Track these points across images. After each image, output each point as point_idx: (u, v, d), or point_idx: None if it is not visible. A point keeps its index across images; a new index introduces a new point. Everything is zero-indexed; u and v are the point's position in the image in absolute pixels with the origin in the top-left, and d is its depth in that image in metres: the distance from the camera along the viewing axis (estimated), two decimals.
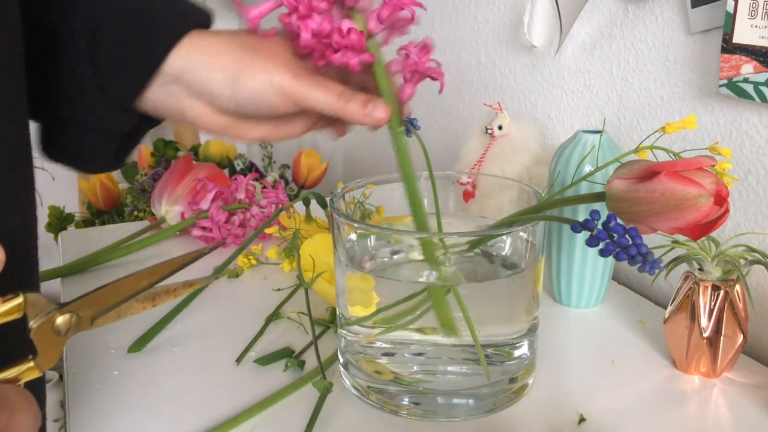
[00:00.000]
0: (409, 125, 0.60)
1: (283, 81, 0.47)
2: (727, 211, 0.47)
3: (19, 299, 0.36)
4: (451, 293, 0.53)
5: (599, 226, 0.48)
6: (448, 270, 0.54)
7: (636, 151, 0.55)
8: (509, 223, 0.56)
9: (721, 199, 0.46)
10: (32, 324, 0.37)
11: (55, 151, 0.50)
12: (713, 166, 0.48)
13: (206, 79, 0.47)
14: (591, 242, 0.48)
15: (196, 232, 0.89)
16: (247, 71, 0.47)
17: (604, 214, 0.55)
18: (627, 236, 0.47)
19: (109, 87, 0.46)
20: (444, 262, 0.55)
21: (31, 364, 0.37)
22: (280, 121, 0.52)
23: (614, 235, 0.47)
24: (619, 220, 0.48)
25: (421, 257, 0.56)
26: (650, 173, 0.47)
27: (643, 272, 0.47)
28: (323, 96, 0.48)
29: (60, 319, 0.38)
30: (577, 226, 0.48)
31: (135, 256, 0.86)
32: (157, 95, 0.48)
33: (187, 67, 0.47)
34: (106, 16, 0.46)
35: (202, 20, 0.49)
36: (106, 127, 0.48)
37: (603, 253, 0.47)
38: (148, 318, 0.69)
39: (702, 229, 0.47)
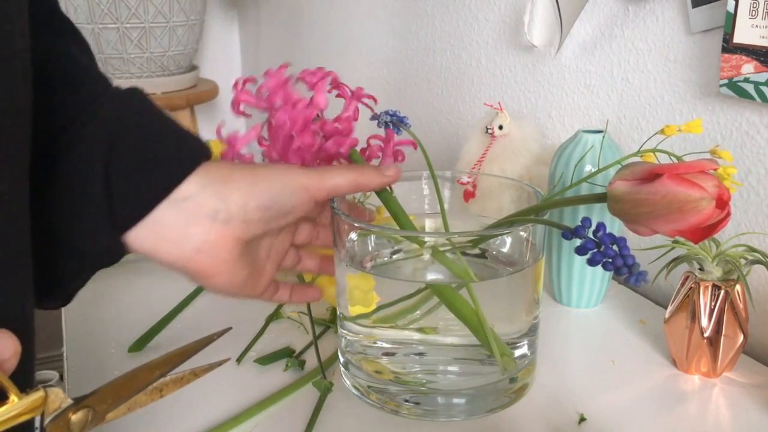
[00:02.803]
0: (401, 123, 0.60)
1: (300, 177, 0.49)
2: (728, 215, 0.47)
3: (40, 393, 0.35)
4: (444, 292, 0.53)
5: (589, 235, 0.48)
6: (461, 267, 0.54)
7: (638, 153, 0.55)
8: (509, 223, 0.56)
9: (722, 202, 0.46)
10: (47, 422, 0.36)
11: None
12: (716, 169, 0.48)
13: (225, 188, 0.46)
14: (579, 251, 0.48)
15: None
16: (264, 175, 0.47)
17: (604, 216, 0.55)
18: (614, 247, 0.47)
19: (118, 201, 0.43)
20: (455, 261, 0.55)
21: None
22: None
23: (601, 245, 0.47)
24: (608, 230, 0.48)
25: (422, 256, 0.56)
26: (652, 175, 0.47)
27: (630, 283, 0.47)
28: (341, 177, 0.50)
29: (75, 417, 0.37)
30: (568, 233, 0.48)
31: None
32: (164, 216, 0.44)
33: (204, 182, 0.45)
34: (125, 128, 0.44)
35: (209, 154, 0.48)
36: (93, 247, 0.44)
37: (590, 262, 0.47)
38: (149, 318, 0.69)
39: (703, 233, 0.47)
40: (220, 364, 0.47)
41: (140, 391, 0.41)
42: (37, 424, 0.36)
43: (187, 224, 0.45)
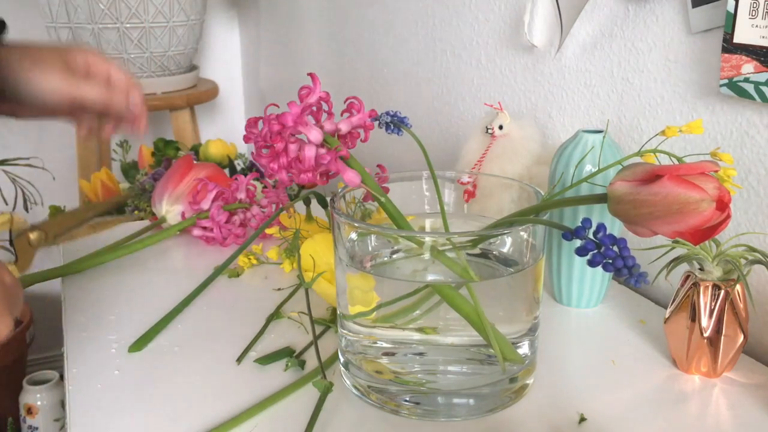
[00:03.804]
0: (401, 124, 0.59)
1: (56, 83, 0.64)
2: (728, 216, 0.47)
3: (7, 216, 0.50)
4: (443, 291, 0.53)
5: (589, 235, 0.48)
6: (462, 267, 0.54)
7: (639, 154, 0.55)
8: (509, 223, 0.56)
9: (722, 204, 0.46)
10: (14, 236, 0.51)
11: None
12: (716, 171, 0.48)
13: None
14: (580, 252, 0.48)
15: (196, 231, 0.89)
16: (23, 76, 0.63)
17: (604, 216, 0.55)
18: (615, 248, 0.47)
19: None
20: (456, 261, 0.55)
21: (14, 266, 0.49)
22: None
23: (602, 246, 0.47)
24: (608, 230, 0.48)
25: (423, 255, 0.56)
26: (653, 176, 0.47)
27: (630, 284, 0.47)
28: (90, 91, 0.66)
29: (33, 235, 0.53)
30: (568, 234, 0.48)
31: (135, 256, 0.86)
32: None
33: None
34: None
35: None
36: None
37: (590, 263, 0.47)
38: (149, 317, 0.69)
39: (703, 234, 0.47)
40: (130, 195, 0.67)
41: (79, 226, 0.57)
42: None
43: None
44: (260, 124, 0.55)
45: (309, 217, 0.83)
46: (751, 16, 0.62)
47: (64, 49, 0.70)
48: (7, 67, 0.64)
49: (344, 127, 0.56)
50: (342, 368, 0.60)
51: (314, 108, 0.55)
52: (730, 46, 0.64)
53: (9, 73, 0.64)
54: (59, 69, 0.65)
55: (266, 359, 0.63)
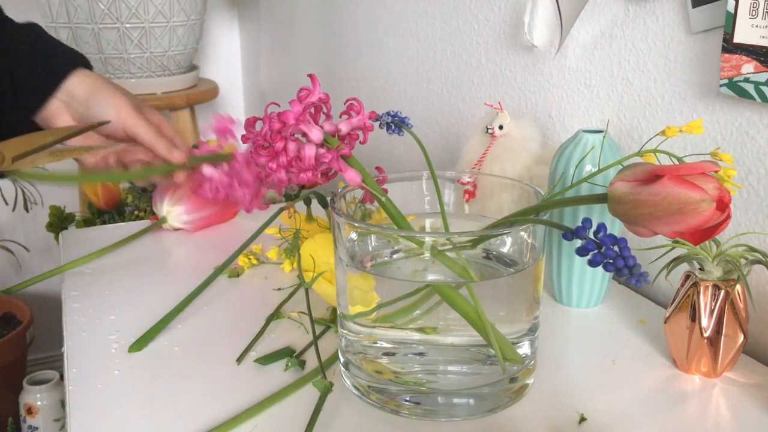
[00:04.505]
0: (402, 124, 0.59)
1: (123, 113, 0.78)
2: (728, 217, 0.47)
3: None
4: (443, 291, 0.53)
5: (590, 235, 0.48)
6: (461, 267, 0.54)
7: (639, 154, 0.55)
8: (509, 223, 0.56)
9: (723, 204, 0.46)
10: None
11: None
12: (716, 171, 0.48)
13: (73, 89, 0.76)
14: (580, 252, 0.48)
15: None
16: (103, 94, 0.78)
17: (604, 216, 0.55)
18: (615, 247, 0.47)
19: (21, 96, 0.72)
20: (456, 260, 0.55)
21: None
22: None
23: (602, 246, 0.47)
24: (608, 230, 0.48)
25: (424, 255, 0.56)
26: (653, 176, 0.47)
27: (630, 284, 0.47)
28: (146, 131, 0.78)
29: None
30: (568, 234, 0.48)
31: (135, 256, 0.86)
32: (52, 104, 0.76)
33: (72, 86, 0.76)
34: (24, 43, 0.73)
35: (85, 62, 0.79)
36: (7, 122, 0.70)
37: (591, 263, 0.47)
38: (149, 317, 0.69)
39: (703, 234, 0.47)
40: (100, 124, 0.73)
41: (37, 151, 0.58)
42: None
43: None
44: (259, 123, 0.55)
45: (309, 217, 0.83)
46: (751, 16, 0.62)
47: (134, 97, 0.83)
48: (94, 93, 0.77)
49: (344, 128, 0.56)
50: (342, 368, 0.60)
51: (312, 110, 0.55)
52: (730, 46, 0.64)
53: (93, 95, 0.77)
54: (130, 106, 0.78)
55: (266, 359, 0.63)
